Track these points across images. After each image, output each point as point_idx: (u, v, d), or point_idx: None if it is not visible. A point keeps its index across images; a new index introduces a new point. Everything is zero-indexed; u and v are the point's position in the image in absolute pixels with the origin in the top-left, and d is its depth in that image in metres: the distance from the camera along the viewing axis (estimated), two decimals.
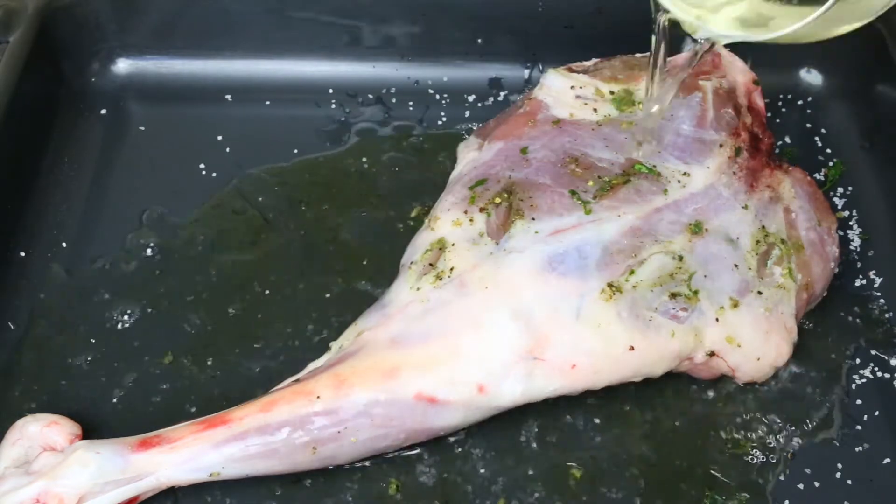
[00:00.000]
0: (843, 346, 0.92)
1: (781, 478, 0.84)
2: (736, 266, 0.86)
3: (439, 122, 1.11)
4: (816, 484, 0.84)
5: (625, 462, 0.84)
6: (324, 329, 0.92)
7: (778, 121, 1.11)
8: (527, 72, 1.15)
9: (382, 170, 1.06)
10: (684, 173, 0.90)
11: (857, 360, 0.91)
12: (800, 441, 0.86)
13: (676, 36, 0.83)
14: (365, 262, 0.97)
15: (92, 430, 0.84)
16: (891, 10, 0.73)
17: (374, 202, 1.03)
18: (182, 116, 1.11)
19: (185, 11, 1.11)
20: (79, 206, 1.02)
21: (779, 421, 0.87)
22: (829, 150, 1.09)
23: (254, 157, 1.06)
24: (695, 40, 0.78)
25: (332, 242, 0.99)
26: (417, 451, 0.84)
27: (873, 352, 0.92)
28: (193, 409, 0.87)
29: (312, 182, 1.04)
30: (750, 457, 0.85)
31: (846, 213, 1.03)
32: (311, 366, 0.84)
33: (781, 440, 0.86)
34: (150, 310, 0.93)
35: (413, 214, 1.01)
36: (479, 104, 1.13)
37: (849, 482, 0.84)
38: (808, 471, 0.84)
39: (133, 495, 0.77)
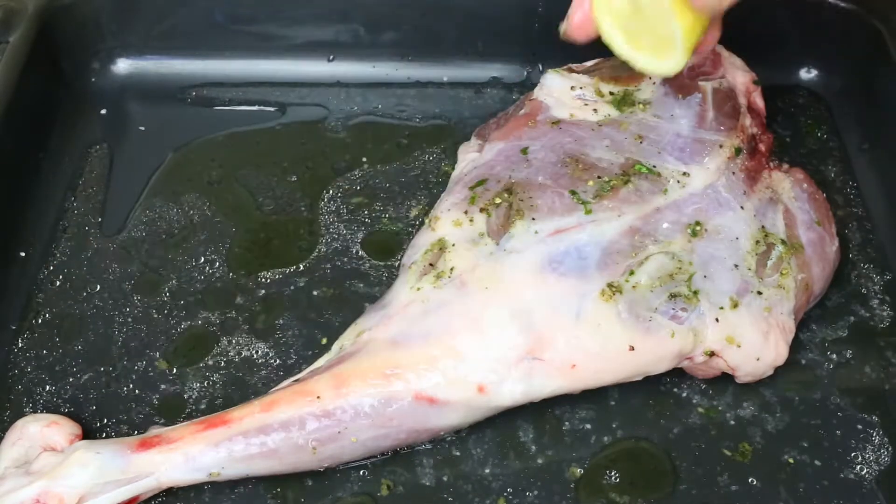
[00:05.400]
0: (843, 347, 0.92)
1: (783, 478, 0.84)
2: (735, 266, 0.86)
3: (439, 123, 1.11)
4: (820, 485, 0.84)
5: (625, 462, 0.84)
6: (324, 329, 0.92)
7: (778, 121, 1.11)
8: (527, 72, 1.15)
9: (382, 169, 1.06)
10: (684, 173, 0.90)
11: (857, 361, 0.91)
12: (801, 442, 0.86)
13: None
14: (365, 263, 0.97)
15: (92, 430, 0.84)
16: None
17: (373, 202, 1.03)
18: (182, 116, 1.11)
19: (185, 11, 1.11)
20: (79, 205, 1.02)
21: (779, 420, 0.87)
22: (829, 150, 1.09)
23: (254, 156, 1.07)
24: None
25: (332, 242, 0.99)
26: (417, 450, 0.84)
27: (873, 352, 0.92)
28: (194, 409, 0.87)
29: (312, 181, 1.04)
30: (751, 458, 0.85)
31: (846, 213, 1.03)
32: (311, 366, 0.84)
33: (780, 439, 0.86)
34: (149, 309, 0.93)
35: (413, 214, 1.02)
36: (479, 104, 1.13)
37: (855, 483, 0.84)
38: (808, 471, 0.84)
39: (133, 495, 0.77)
